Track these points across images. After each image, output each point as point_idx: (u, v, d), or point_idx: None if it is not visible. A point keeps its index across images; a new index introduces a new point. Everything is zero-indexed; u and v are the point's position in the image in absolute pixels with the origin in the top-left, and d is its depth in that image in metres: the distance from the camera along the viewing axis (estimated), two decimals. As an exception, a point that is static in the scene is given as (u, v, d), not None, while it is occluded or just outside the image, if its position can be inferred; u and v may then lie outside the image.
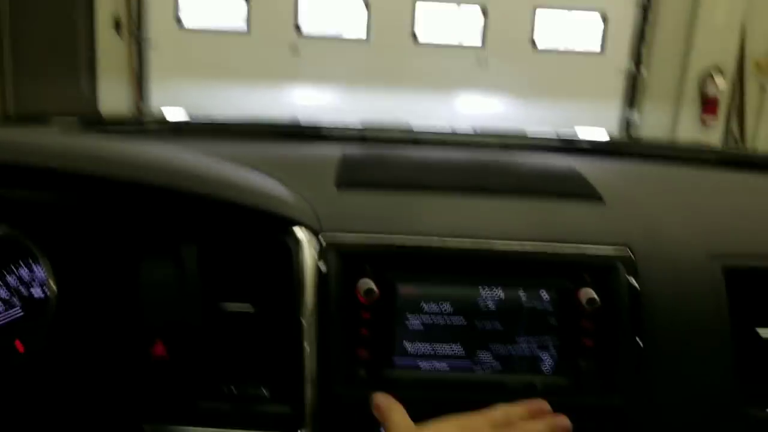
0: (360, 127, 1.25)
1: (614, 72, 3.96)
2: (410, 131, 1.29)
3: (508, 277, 0.81)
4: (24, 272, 0.77)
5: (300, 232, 0.81)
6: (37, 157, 0.68)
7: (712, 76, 3.81)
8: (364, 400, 0.77)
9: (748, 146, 4.00)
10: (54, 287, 0.79)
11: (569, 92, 3.93)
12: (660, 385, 0.81)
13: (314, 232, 0.82)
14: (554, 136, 1.28)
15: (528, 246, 0.83)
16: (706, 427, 0.82)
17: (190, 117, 1.54)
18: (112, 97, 3.71)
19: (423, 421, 0.72)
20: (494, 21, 3.84)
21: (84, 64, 3.63)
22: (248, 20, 3.77)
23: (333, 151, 1.05)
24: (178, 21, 3.76)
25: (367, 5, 3.79)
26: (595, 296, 0.80)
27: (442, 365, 0.81)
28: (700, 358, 0.82)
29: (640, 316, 0.81)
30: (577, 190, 0.95)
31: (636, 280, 0.82)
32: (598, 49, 3.94)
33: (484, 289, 0.81)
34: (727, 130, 3.99)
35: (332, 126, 1.22)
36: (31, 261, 0.78)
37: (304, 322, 0.79)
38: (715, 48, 3.81)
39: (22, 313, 0.77)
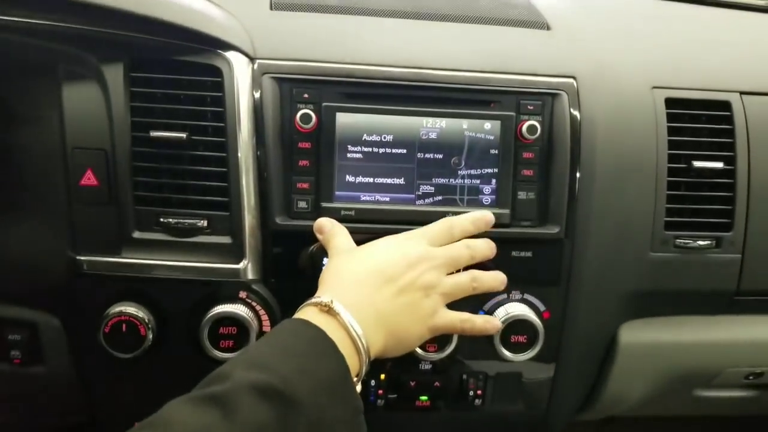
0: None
1: None
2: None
3: (451, 108, 0.80)
4: None
5: (233, 56, 0.76)
6: None
7: None
8: (305, 231, 0.77)
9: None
10: None
11: None
12: (596, 215, 0.83)
13: (249, 57, 0.77)
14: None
15: (472, 76, 0.80)
16: (634, 256, 0.86)
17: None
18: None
19: None
20: None
21: None
22: None
23: None
24: None
25: None
26: (536, 123, 0.79)
27: (383, 197, 0.80)
28: (637, 187, 0.84)
29: (580, 146, 0.81)
30: (524, 16, 0.91)
31: (579, 112, 0.81)
32: None
33: (426, 119, 0.79)
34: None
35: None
36: None
37: (239, 152, 0.76)
38: None
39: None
